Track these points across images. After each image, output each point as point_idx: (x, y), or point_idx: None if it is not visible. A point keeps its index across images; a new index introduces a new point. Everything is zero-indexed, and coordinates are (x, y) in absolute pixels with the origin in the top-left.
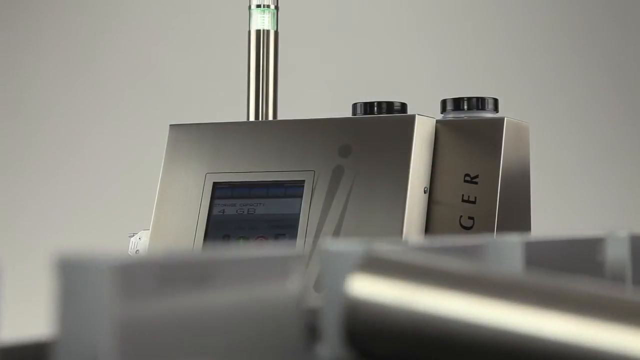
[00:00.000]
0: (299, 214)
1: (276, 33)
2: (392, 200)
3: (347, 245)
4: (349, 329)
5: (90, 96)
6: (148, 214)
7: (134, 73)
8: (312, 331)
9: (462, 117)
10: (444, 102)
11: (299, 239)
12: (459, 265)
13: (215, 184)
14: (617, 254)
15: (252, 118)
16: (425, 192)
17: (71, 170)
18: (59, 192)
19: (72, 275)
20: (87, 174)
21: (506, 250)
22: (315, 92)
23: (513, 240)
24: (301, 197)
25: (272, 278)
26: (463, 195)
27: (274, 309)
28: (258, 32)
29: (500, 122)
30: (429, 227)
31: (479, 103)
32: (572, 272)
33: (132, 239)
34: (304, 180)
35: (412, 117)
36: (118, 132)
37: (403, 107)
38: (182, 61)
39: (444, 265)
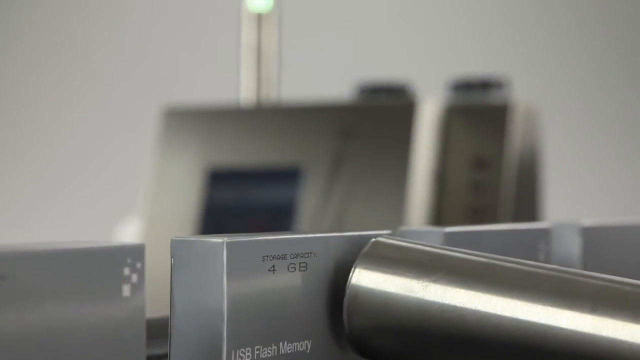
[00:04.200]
0: (298, 201)
1: (274, 10)
2: (395, 188)
3: (428, 228)
4: (348, 323)
5: (71, 73)
6: (132, 200)
7: (120, 50)
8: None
9: (470, 99)
10: (450, 82)
11: (298, 227)
12: (469, 254)
13: (210, 170)
14: None
15: (247, 101)
16: (433, 178)
17: (51, 155)
18: (38, 178)
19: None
20: (68, 158)
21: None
22: (314, 69)
23: (572, 226)
24: (300, 184)
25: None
26: (473, 182)
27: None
28: (255, 13)
29: (510, 105)
30: (439, 215)
31: (488, 83)
32: (630, 259)
33: (119, 227)
34: (302, 167)
35: (417, 101)
36: (102, 114)
37: (406, 87)
38: (173, 39)
39: (453, 255)
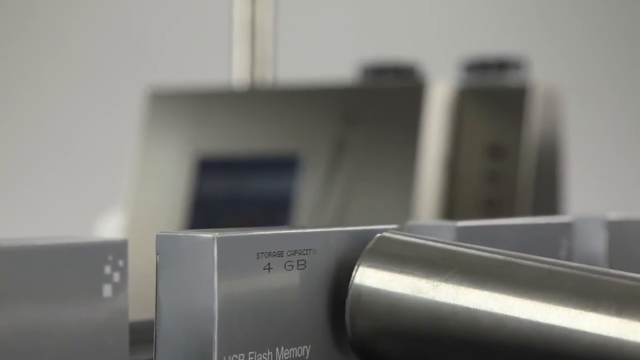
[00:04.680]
0: (295, 193)
1: None
2: (403, 179)
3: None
4: (351, 326)
5: (45, 53)
6: (114, 191)
7: (99, 26)
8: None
9: (485, 81)
10: (463, 62)
11: (296, 221)
12: (483, 251)
13: (200, 159)
14: None
15: (240, 82)
16: (444, 168)
17: (25, 143)
18: (11, 167)
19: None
20: (43, 146)
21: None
22: (313, 48)
23: (596, 220)
24: (298, 174)
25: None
26: (488, 171)
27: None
28: None
29: (529, 87)
30: (450, 208)
31: (504, 63)
32: None
33: (99, 221)
34: (301, 155)
35: (426, 83)
36: (81, 97)
37: (415, 67)
38: (157, 13)
39: (466, 252)
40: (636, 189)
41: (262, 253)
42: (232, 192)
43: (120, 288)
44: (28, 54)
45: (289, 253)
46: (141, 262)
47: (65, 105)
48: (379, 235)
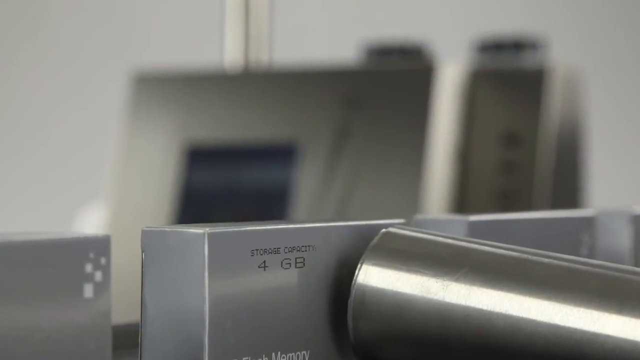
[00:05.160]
0: (293, 184)
1: None
2: (410, 169)
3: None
4: (354, 330)
5: (22, 32)
6: (95, 182)
7: (80, 3)
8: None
9: (500, 62)
10: (476, 42)
11: (294, 216)
12: (498, 248)
13: (189, 148)
14: None
15: (233, 64)
16: (455, 157)
17: (3, 129)
18: None
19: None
20: (20, 133)
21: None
22: (313, 27)
23: (621, 214)
24: (296, 164)
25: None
26: (503, 161)
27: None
28: None
29: (547, 69)
30: (462, 201)
31: (521, 43)
32: None
33: (80, 215)
34: (299, 143)
35: (436, 64)
36: (60, 80)
37: (423, 48)
38: None
39: (479, 249)
40: None
41: (257, 250)
42: (225, 184)
43: (102, 288)
44: (3, 37)
45: (286, 250)
46: (125, 260)
47: (42, 89)
48: (384, 230)
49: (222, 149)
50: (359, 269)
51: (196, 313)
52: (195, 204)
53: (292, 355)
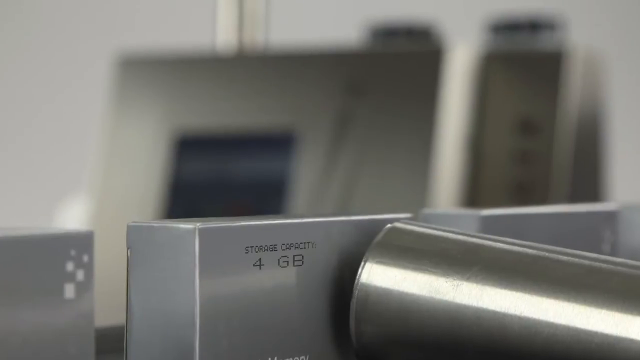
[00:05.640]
0: (291, 176)
1: None
2: (417, 159)
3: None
4: (356, 333)
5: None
6: (77, 173)
7: None
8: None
9: (514, 44)
10: (489, 22)
11: (291, 210)
12: (512, 245)
13: (179, 136)
14: None
15: (226, 46)
16: (466, 146)
17: None
18: None
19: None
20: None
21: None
22: (312, 6)
23: None
24: (294, 154)
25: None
26: (518, 151)
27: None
28: None
29: (566, 52)
30: (473, 194)
31: (537, 24)
32: None
33: (60, 208)
34: (297, 132)
35: (445, 47)
36: (39, 63)
37: (431, 29)
38: None
39: (492, 246)
40: None
41: (251, 247)
42: (217, 175)
43: (84, 288)
44: None
45: (284, 247)
46: (109, 258)
47: (18, 73)
48: (389, 225)
49: (214, 137)
50: (362, 268)
51: (186, 315)
52: (185, 197)
53: None
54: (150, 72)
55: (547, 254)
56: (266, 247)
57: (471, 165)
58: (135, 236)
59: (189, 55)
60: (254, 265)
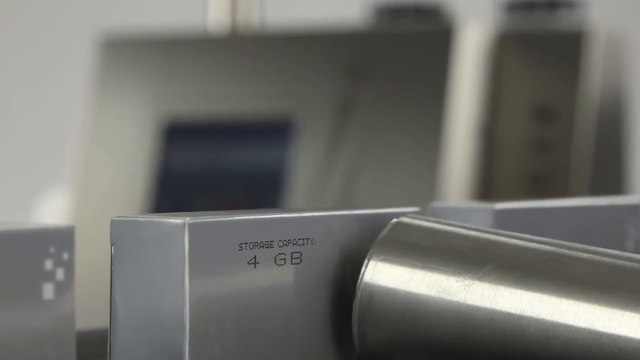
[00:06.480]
0: (289, 167)
1: None
2: (426, 148)
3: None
4: (359, 336)
5: None
6: (57, 164)
7: None
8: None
9: (531, 24)
10: (502, 1)
11: (289, 204)
12: (528, 241)
13: (167, 123)
14: None
15: (218, 26)
16: (479, 134)
17: None
18: None
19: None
20: None
21: None
22: None
23: None
24: (292, 142)
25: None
26: (535, 139)
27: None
28: None
29: (586, 31)
30: (487, 186)
31: (555, 1)
32: None
33: (39, 202)
34: (296, 119)
35: (456, 26)
36: (16, 45)
37: (441, 7)
38: None
39: (507, 242)
40: None
41: (246, 243)
42: (208, 166)
43: (64, 288)
44: None
45: (281, 243)
46: (92, 255)
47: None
48: (395, 220)
49: (205, 124)
50: (366, 266)
51: (175, 317)
52: (174, 190)
53: None
54: (135, 54)
55: (566, 251)
56: (262, 244)
57: (484, 155)
58: (119, 232)
59: (177, 35)
60: (248, 263)
